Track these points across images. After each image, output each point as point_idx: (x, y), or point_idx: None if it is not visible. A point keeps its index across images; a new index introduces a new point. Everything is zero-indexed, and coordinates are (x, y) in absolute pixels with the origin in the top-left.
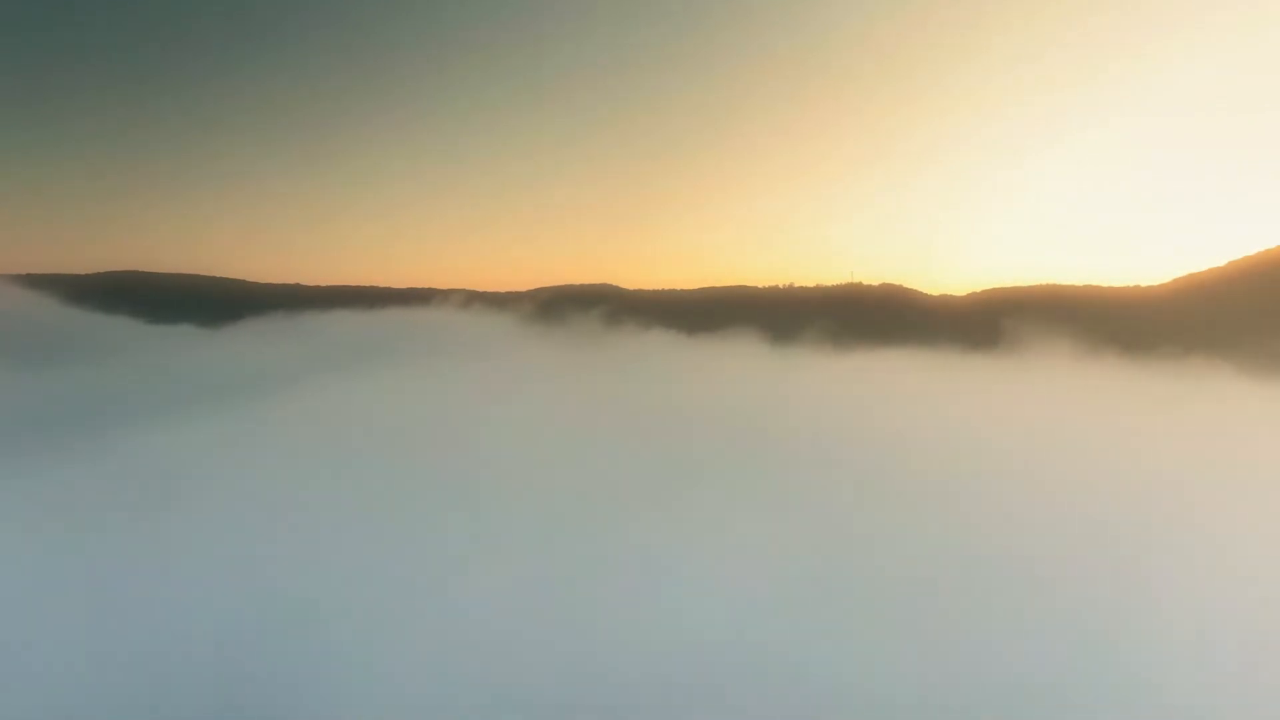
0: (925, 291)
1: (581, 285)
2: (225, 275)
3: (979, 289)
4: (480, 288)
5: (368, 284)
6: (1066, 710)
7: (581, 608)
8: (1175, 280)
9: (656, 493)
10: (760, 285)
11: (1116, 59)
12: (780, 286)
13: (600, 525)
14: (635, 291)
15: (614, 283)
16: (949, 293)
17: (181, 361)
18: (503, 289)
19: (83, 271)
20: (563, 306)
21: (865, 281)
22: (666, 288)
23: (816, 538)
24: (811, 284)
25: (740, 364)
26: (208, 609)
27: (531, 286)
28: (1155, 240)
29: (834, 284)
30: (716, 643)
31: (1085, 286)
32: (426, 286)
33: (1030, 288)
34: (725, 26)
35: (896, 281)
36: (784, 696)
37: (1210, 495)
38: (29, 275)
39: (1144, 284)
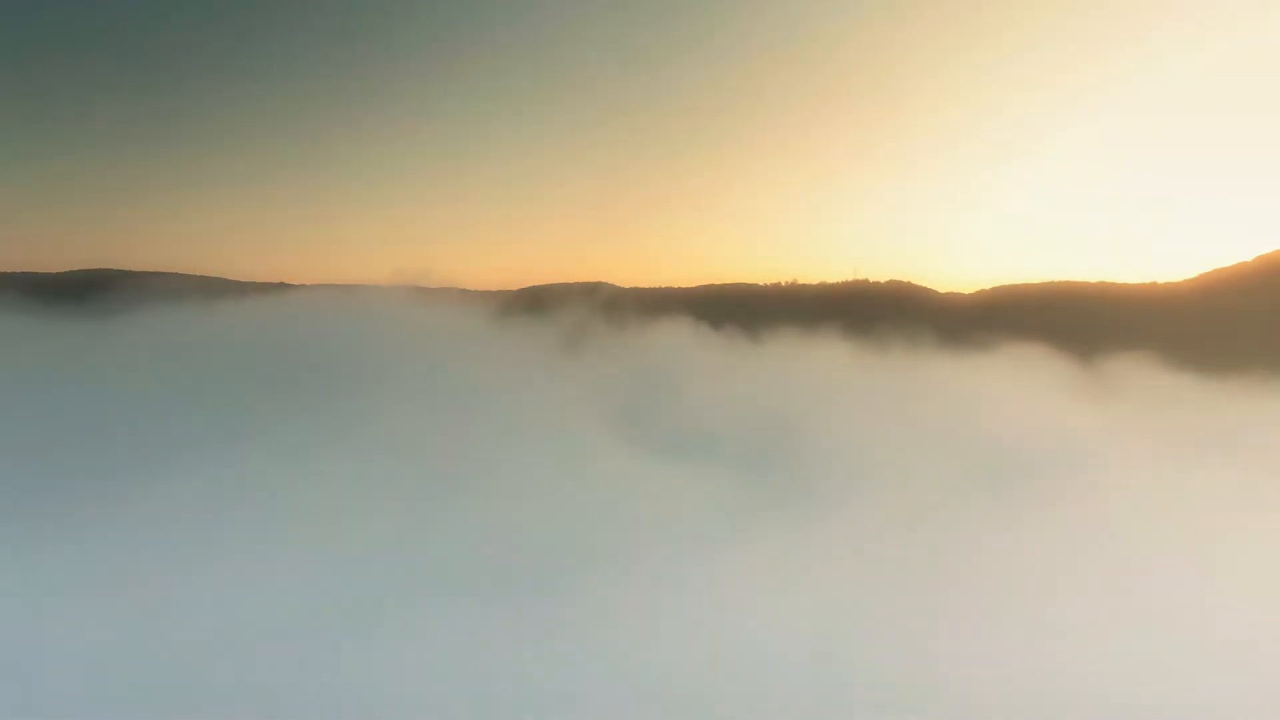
0: (934, 289)
1: (575, 283)
2: (208, 273)
3: (988, 286)
4: (470, 285)
5: (355, 281)
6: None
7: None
8: (1199, 276)
9: (658, 494)
10: (762, 283)
11: (1129, 51)
12: (783, 284)
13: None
14: (631, 289)
15: (610, 280)
16: (957, 290)
17: None
18: (494, 287)
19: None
20: (555, 304)
21: (871, 279)
22: (664, 285)
23: (824, 540)
24: (815, 281)
25: (742, 364)
26: None
27: (523, 285)
28: (1172, 237)
29: (838, 281)
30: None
31: (1099, 284)
32: (415, 284)
33: (1039, 285)
34: (723, 21)
35: (904, 279)
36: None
37: (1226, 499)
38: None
39: (1162, 281)
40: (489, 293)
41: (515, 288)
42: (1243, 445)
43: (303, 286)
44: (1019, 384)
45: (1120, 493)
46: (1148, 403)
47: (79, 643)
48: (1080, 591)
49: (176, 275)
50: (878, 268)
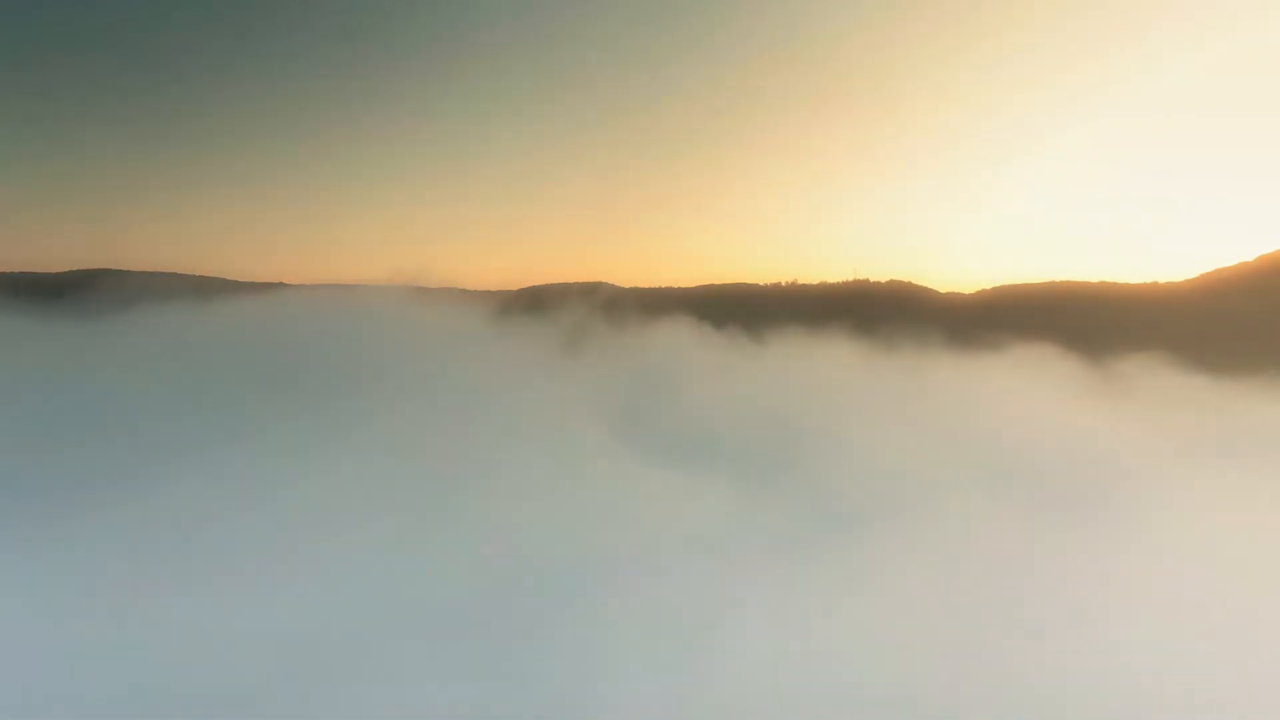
0: (934, 289)
1: (575, 283)
2: (208, 273)
3: (989, 286)
4: (470, 285)
5: (354, 281)
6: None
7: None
8: (1200, 276)
9: (661, 495)
10: (762, 283)
11: (1129, 51)
12: (783, 284)
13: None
14: (631, 289)
15: (610, 280)
16: (957, 290)
17: None
18: (494, 287)
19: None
20: (555, 304)
21: (872, 279)
22: (664, 285)
23: (841, 548)
24: (815, 281)
25: (744, 364)
26: None
27: (523, 285)
28: (1172, 237)
29: (839, 281)
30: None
31: (1101, 283)
32: (414, 284)
33: (1040, 285)
34: (723, 21)
35: (905, 279)
36: None
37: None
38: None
39: (1163, 281)
40: (489, 293)
41: (515, 288)
42: (1267, 448)
43: (302, 286)
44: (1029, 386)
45: (1152, 498)
46: (1165, 405)
47: (78, 644)
48: (1123, 601)
49: (175, 275)
50: (878, 268)
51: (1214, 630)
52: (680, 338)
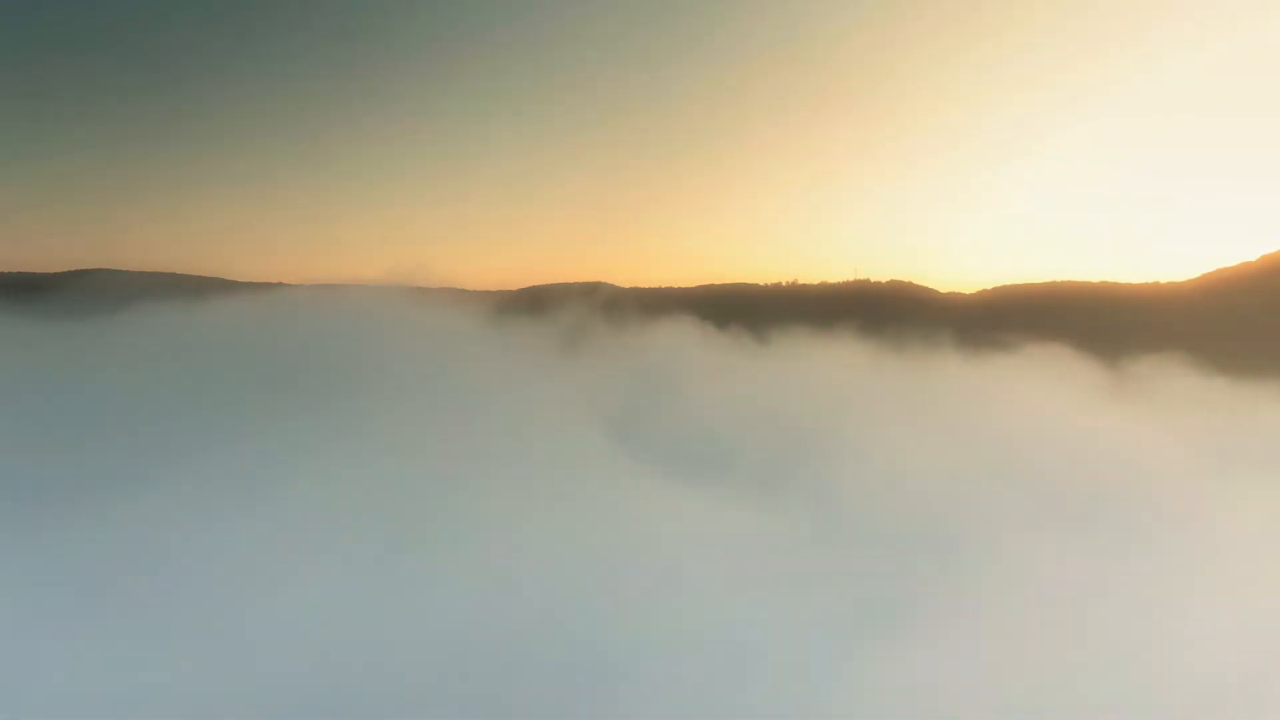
0: (935, 289)
1: (575, 283)
2: (207, 273)
3: (989, 286)
4: (470, 285)
5: (354, 281)
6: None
7: None
8: (1202, 276)
9: (663, 499)
10: (762, 283)
11: (1129, 51)
12: (784, 284)
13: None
14: (631, 289)
15: (610, 280)
16: (958, 290)
17: None
18: (493, 287)
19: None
20: (555, 304)
21: (872, 279)
22: (664, 285)
23: (867, 570)
24: (815, 281)
25: (746, 365)
26: None
27: (523, 285)
28: (1173, 237)
29: (839, 281)
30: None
31: (1102, 283)
32: (414, 284)
33: (1041, 285)
34: (723, 21)
35: (905, 278)
36: None
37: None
38: None
39: (1164, 280)
40: (488, 293)
41: (515, 288)
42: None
43: (302, 286)
44: (1037, 387)
45: (1173, 504)
46: (1173, 406)
47: (77, 644)
48: (1150, 610)
49: (174, 275)
50: (878, 268)
51: (1239, 639)
52: (681, 338)
